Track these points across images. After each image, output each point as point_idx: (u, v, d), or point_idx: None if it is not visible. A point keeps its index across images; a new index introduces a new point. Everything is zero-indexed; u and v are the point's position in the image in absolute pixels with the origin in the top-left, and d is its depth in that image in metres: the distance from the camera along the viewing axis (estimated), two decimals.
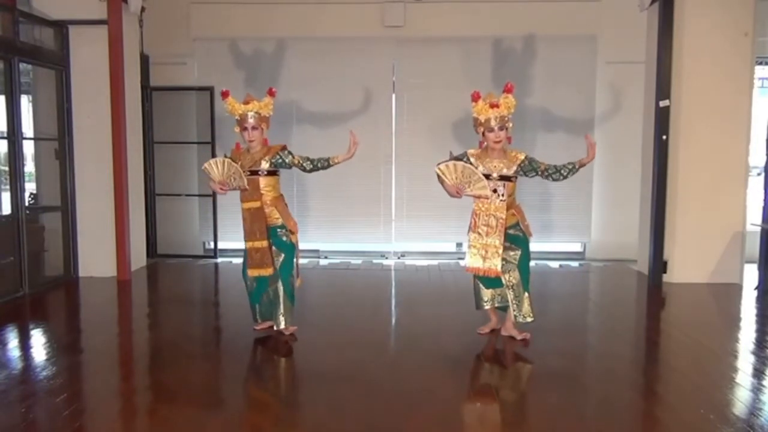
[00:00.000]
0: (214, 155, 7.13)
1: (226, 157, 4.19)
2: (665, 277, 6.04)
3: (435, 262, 7.18)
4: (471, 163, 4.06)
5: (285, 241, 4.25)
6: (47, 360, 3.97)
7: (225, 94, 4.22)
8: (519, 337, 4.20)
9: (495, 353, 4.06)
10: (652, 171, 6.10)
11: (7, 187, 5.55)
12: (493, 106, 3.96)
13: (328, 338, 4.39)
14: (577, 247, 7.64)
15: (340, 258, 7.48)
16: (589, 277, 6.73)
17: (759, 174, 6.59)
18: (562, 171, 4.06)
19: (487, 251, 4.05)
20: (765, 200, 5.81)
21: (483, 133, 4.05)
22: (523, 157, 4.07)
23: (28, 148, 6.16)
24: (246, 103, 4.17)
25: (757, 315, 5.16)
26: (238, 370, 3.82)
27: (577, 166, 4.05)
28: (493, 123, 3.98)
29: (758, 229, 5.88)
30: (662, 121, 5.93)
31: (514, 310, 4.16)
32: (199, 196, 7.36)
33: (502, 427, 3.08)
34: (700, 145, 5.89)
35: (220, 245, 7.41)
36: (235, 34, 7.31)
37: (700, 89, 5.85)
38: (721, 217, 5.96)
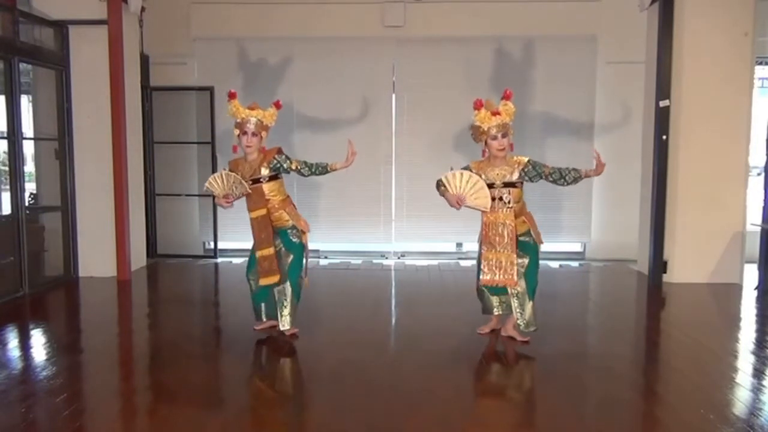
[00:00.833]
0: (214, 155, 7.16)
1: (223, 170, 4.20)
2: (665, 277, 6.04)
3: (435, 262, 7.18)
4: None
5: (295, 242, 4.23)
6: (47, 360, 3.97)
7: (232, 95, 4.15)
8: (520, 339, 4.19)
9: (495, 353, 4.06)
10: (652, 171, 6.10)
11: (7, 187, 5.55)
12: (494, 114, 3.94)
13: (328, 338, 4.39)
14: (577, 247, 7.64)
15: (340, 258, 7.48)
16: (589, 277, 6.73)
17: (759, 174, 6.59)
18: (567, 177, 4.02)
19: (501, 262, 4.04)
20: (765, 200, 5.81)
21: (486, 142, 4.03)
22: (525, 161, 4.04)
23: (28, 148, 6.17)
24: (251, 109, 4.15)
25: (757, 315, 5.16)
26: (238, 370, 3.82)
27: (582, 176, 4.01)
28: (495, 131, 3.96)
29: (758, 229, 5.88)
30: (662, 121, 5.94)
31: (518, 318, 4.15)
32: (199, 196, 7.35)
33: (503, 427, 3.08)
34: (700, 145, 5.89)
35: (220, 245, 7.40)
36: (235, 34, 7.30)
37: (700, 89, 5.85)
38: (721, 217, 5.96)
